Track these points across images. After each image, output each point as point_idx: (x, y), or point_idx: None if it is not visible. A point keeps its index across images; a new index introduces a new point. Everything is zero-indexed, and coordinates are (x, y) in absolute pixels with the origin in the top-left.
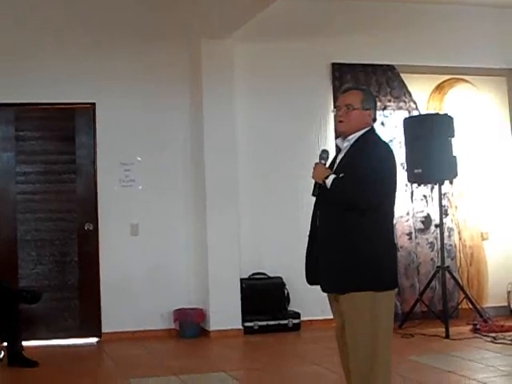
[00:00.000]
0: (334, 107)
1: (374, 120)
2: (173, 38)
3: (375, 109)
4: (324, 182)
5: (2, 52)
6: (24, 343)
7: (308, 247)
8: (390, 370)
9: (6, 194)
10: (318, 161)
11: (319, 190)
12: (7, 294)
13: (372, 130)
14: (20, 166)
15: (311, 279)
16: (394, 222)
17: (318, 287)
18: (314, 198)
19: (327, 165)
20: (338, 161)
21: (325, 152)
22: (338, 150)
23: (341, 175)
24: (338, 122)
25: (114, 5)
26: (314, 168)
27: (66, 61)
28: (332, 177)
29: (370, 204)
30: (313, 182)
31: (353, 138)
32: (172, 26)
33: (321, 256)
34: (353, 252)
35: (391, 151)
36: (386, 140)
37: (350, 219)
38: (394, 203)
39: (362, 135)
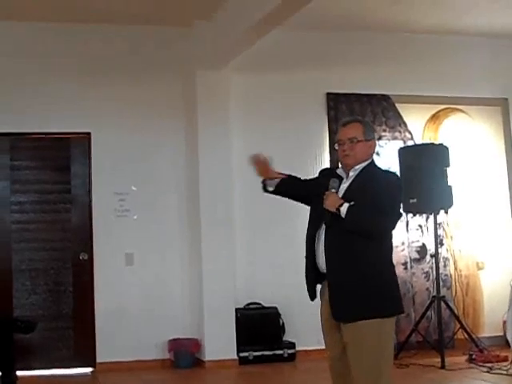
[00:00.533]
0: (336, 141)
1: (375, 150)
2: (168, 69)
3: (375, 139)
4: (338, 211)
5: None
6: (18, 373)
7: (306, 268)
8: None
9: (1, 224)
10: (328, 190)
11: (331, 218)
12: (2, 324)
13: (373, 161)
14: (15, 195)
15: (314, 295)
16: None
17: (314, 317)
18: (305, 227)
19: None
20: (343, 190)
21: (335, 181)
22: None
23: (352, 203)
24: (343, 156)
25: (109, 36)
26: (325, 197)
27: (62, 91)
28: (346, 205)
29: (386, 231)
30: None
31: (359, 168)
32: (167, 57)
33: (331, 283)
34: (360, 280)
35: (400, 181)
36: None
37: (358, 246)
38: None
39: (367, 165)
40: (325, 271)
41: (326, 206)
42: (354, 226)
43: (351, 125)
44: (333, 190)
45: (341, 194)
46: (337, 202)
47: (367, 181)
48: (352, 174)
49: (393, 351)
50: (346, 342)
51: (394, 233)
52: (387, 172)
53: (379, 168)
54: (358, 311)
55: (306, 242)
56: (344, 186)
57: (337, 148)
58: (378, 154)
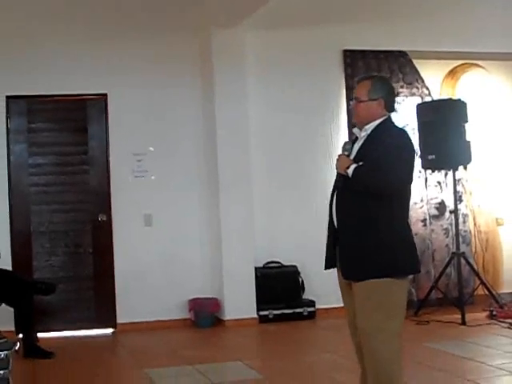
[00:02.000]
0: (350, 101)
1: (389, 108)
2: (183, 27)
3: (389, 96)
4: (346, 172)
5: (14, 45)
6: (39, 335)
7: (328, 237)
8: (401, 355)
9: (20, 186)
10: (340, 152)
11: (341, 180)
12: (22, 286)
13: (388, 119)
14: (33, 157)
15: (328, 264)
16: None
17: (333, 274)
18: (328, 184)
19: (351, 156)
20: (355, 150)
21: (348, 143)
22: (355, 138)
23: (360, 163)
24: (352, 114)
25: None
26: (337, 159)
27: (78, 52)
28: (353, 166)
29: (391, 188)
30: (329, 170)
31: (370, 127)
32: (182, 15)
33: (340, 243)
34: (370, 239)
35: (409, 139)
36: (399, 126)
37: (368, 206)
38: (410, 190)
39: (378, 124)
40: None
41: (336, 168)
42: (358, 184)
43: (360, 84)
44: (345, 153)
45: (353, 155)
46: (346, 163)
47: (376, 140)
48: (364, 133)
49: (404, 311)
50: (355, 300)
51: (412, 190)
52: (395, 129)
53: (392, 126)
54: (365, 270)
55: (329, 206)
56: (356, 146)
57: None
58: (395, 110)
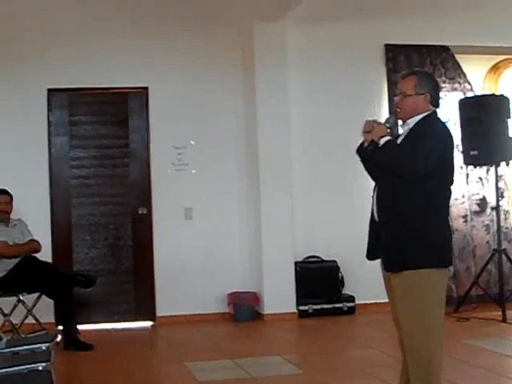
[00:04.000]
0: (392, 96)
1: (435, 103)
2: (224, 20)
3: (434, 91)
4: (378, 142)
5: (56, 37)
6: (79, 327)
7: (370, 228)
8: (443, 349)
9: (61, 179)
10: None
11: (370, 147)
12: (62, 278)
13: (433, 113)
14: (74, 150)
15: (371, 255)
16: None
17: (373, 269)
18: (367, 179)
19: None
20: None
21: (391, 117)
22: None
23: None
24: (396, 110)
25: None
26: (375, 126)
27: (119, 46)
28: (388, 137)
29: (413, 168)
30: None
31: (412, 121)
32: (223, 8)
33: (381, 235)
34: (409, 230)
35: (448, 132)
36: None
37: (404, 194)
38: (450, 183)
39: (421, 119)
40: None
41: (371, 134)
42: (384, 157)
43: (406, 79)
44: (386, 124)
45: None
46: (382, 132)
47: (415, 135)
48: (406, 128)
49: (444, 307)
50: (397, 294)
51: (453, 187)
52: (435, 125)
53: (436, 120)
54: (404, 260)
55: (372, 198)
56: (399, 140)
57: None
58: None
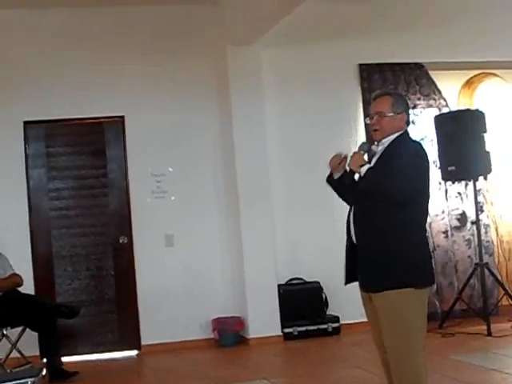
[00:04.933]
0: (367, 115)
1: (408, 123)
2: (198, 47)
3: (407, 111)
4: (359, 171)
5: (30, 69)
6: (64, 359)
7: (346, 251)
8: (426, 367)
9: (40, 211)
10: (357, 150)
11: (350, 176)
12: (46, 310)
13: (405, 133)
14: (52, 182)
15: (348, 279)
16: (430, 220)
17: (356, 289)
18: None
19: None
20: (372, 163)
21: (365, 144)
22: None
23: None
24: (372, 130)
25: (139, 18)
26: (351, 156)
27: (93, 76)
28: (367, 166)
29: (403, 194)
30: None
31: (387, 141)
32: (197, 34)
33: (358, 256)
34: (386, 250)
35: (423, 149)
36: (418, 139)
37: (383, 215)
38: (427, 201)
39: (395, 138)
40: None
41: (349, 164)
42: (369, 185)
43: (380, 99)
44: (361, 152)
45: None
46: (360, 161)
47: (392, 152)
48: (381, 147)
49: (425, 324)
50: (378, 314)
51: (433, 202)
52: (411, 142)
53: (408, 138)
54: (382, 281)
55: (346, 221)
56: (374, 160)
57: (368, 122)
58: (413, 122)
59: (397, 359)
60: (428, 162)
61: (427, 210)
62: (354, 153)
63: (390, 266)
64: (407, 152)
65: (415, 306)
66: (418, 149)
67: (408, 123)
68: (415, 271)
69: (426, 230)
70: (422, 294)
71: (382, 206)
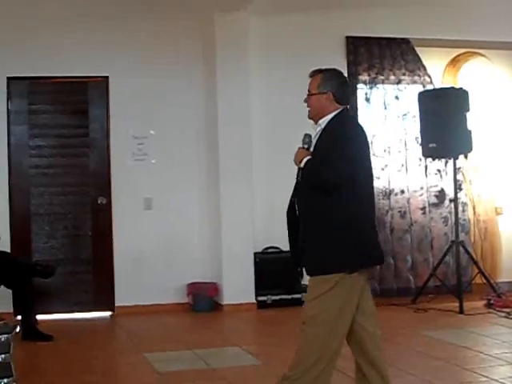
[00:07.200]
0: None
1: (341, 101)
2: (186, 11)
3: (339, 89)
4: (300, 164)
5: (15, 26)
6: (38, 317)
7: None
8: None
9: (20, 168)
10: (300, 146)
11: (299, 172)
12: (21, 268)
13: (342, 112)
14: (33, 139)
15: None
16: (408, 196)
17: None
18: None
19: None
20: (313, 146)
21: (307, 136)
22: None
23: (309, 157)
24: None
25: None
26: (295, 152)
27: (79, 34)
28: (306, 159)
29: (332, 184)
30: None
31: (324, 121)
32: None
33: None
34: (317, 234)
35: (360, 129)
36: (400, 114)
37: (318, 201)
38: (366, 181)
39: (331, 119)
40: None
41: (294, 160)
42: (308, 178)
43: (313, 77)
44: (305, 146)
45: (311, 150)
46: (301, 155)
47: (328, 133)
48: (318, 128)
49: (350, 312)
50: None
51: (413, 178)
52: (345, 124)
53: (344, 118)
54: (310, 265)
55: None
56: (313, 141)
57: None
58: (397, 98)
59: (308, 338)
60: (365, 144)
61: (368, 191)
62: (298, 148)
63: (319, 251)
64: (340, 135)
65: (329, 294)
66: (353, 131)
67: (341, 102)
68: (342, 257)
69: (367, 212)
70: (349, 280)
71: (315, 193)
